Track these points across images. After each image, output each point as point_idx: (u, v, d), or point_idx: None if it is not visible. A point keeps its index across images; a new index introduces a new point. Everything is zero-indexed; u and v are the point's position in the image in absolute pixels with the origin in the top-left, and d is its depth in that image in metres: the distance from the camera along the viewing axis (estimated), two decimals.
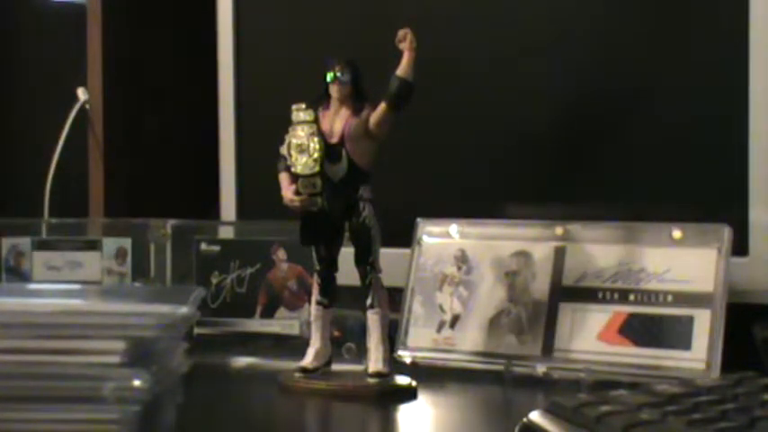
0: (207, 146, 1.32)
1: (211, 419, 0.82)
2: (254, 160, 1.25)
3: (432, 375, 0.97)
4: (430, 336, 1.02)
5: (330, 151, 0.89)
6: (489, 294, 1.01)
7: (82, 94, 1.42)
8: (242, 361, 1.06)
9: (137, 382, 0.66)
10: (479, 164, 1.11)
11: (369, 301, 0.90)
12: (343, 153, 0.90)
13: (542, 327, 0.97)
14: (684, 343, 0.90)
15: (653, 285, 0.93)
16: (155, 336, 0.68)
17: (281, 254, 1.09)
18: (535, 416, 0.63)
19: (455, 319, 1.02)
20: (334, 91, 0.90)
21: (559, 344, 0.95)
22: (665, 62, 1.01)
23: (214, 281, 1.11)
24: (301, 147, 0.89)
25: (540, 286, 0.98)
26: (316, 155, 0.88)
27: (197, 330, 1.08)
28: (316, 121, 0.90)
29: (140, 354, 0.67)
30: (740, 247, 0.94)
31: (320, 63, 0.91)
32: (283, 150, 0.90)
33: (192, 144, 1.45)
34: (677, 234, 0.94)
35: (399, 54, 0.89)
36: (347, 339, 1.01)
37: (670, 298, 0.92)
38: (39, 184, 1.44)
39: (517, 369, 0.96)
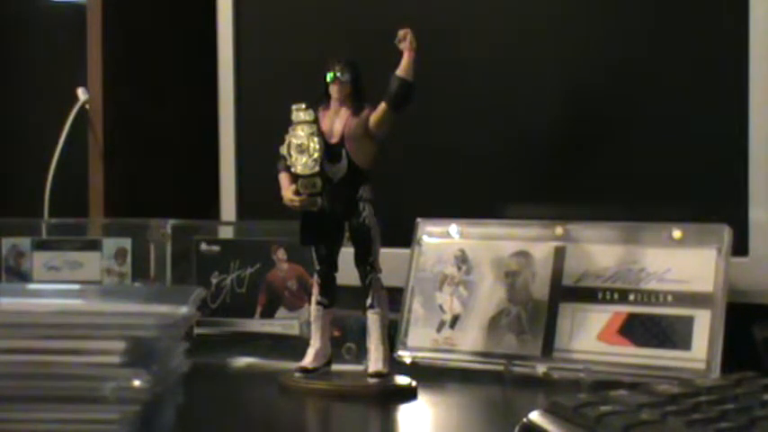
0: (207, 146, 1.32)
1: (211, 419, 0.82)
2: (254, 160, 1.25)
3: (432, 375, 0.97)
4: (430, 336, 1.02)
5: (330, 151, 0.90)
6: (489, 294, 1.01)
7: (82, 94, 1.42)
8: (242, 361, 1.06)
9: (137, 382, 0.66)
10: (479, 164, 1.11)
11: (369, 301, 0.90)
12: (343, 153, 0.90)
13: (542, 327, 0.97)
14: (684, 343, 0.90)
15: (653, 285, 0.93)
16: (155, 336, 0.68)
17: (281, 254, 1.09)
18: (535, 416, 0.63)
19: (455, 319, 1.02)
20: (334, 91, 0.90)
21: (559, 344, 0.95)
22: (664, 62, 1.01)
23: (214, 281, 1.11)
24: (301, 147, 0.89)
25: (540, 286, 0.98)
26: (316, 155, 0.89)
27: (197, 330, 1.08)
28: (316, 121, 0.90)
29: (140, 354, 0.67)
30: (740, 247, 0.94)
31: (320, 63, 0.91)
32: (283, 150, 0.90)
33: (192, 144, 1.45)
34: (677, 234, 0.94)
35: (399, 54, 0.89)
36: (347, 339, 1.01)
37: (670, 298, 0.92)
38: (39, 184, 1.44)
39: (517, 369, 0.96)
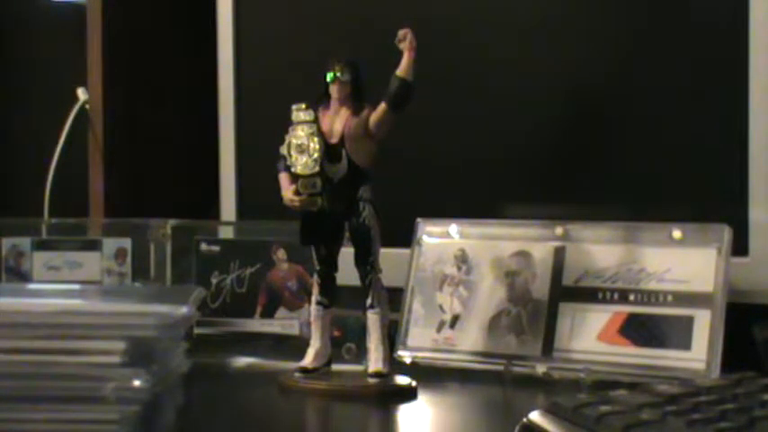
0: (207, 146, 1.32)
1: (211, 419, 0.82)
2: (254, 160, 1.25)
3: (432, 375, 0.97)
4: (430, 336, 1.02)
5: (330, 151, 0.90)
6: (489, 294, 1.01)
7: (82, 94, 1.42)
8: (242, 361, 1.06)
9: (137, 382, 0.66)
10: (479, 164, 1.11)
11: (369, 301, 0.91)
12: (343, 153, 0.90)
13: (542, 327, 0.97)
14: (684, 343, 0.90)
15: (653, 285, 0.93)
16: (155, 336, 0.68)
17: (281, 254, 1.09)
18: (535, 416, 0.63)
19: (455, 319, 1.02)
20: (334, 91, 0.90)
21: (559, 344, 0.95)
22: (664, 62, 1.01)
23: (214, 281, 1.11)
24: (301, 147, 0.89)
25: (540, 286, 0.98)
26: (316, 155, 0.89)
27: (197, 330, 1.08)
28: (316, 121, 0.90)
29: (140, 354, 0.67)
30: (740, 247, 0.94)
31: (320, 63, 0.91)
32: (283, 150, 0.90)
33: (192, 144, 1.45)
34: (677, 234, 0.94)
35: (399, 54, 0.89)
36: (347, 339, 1.01)
37: (670, 298, 0.92)
38: (39, 184, 1.44)
39: (517, 369, 0.96)
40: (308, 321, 0.95)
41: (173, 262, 1.13)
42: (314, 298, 0.93)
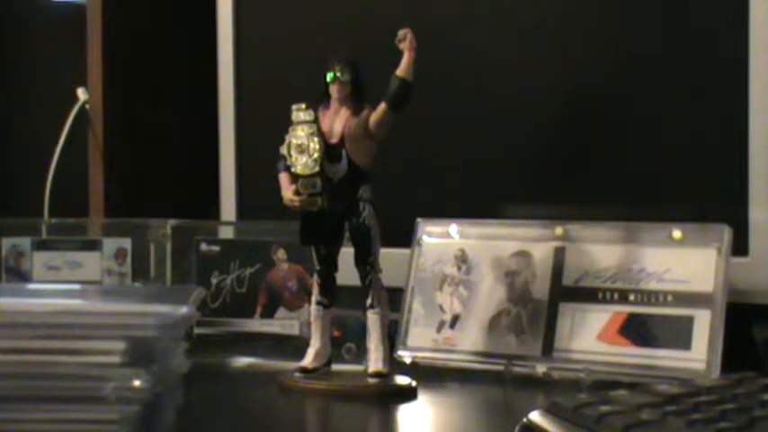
0: (207, 146, 1.32)
1: (211, 419, 0.82)
2: (254, 160, 1.25)
3: (432, 375, 0.97)
4: (430, 336, 1.02)
5: (330, 151, 0.90)
6: (489, 294, 1.01)
7: (82, 94, 1.42)
8: (242, 361, 1.06)
9: (137, 382, 0.66)
10: (479, 164, 1.11)
11: (369, 301, 0.91)
12: (343, 153, 0.90)
13: (542, 327, 0.97)
14: (684, 343, 0.90)
15: (653, 285, 0.93)
16: (155, 336, 0.68)
17: (281, 254, 1.09)
18: (535, 416, 0.63)
19: (455, 319, 1.02)
20: (334, 91, 0.90)
21: (559, 344, 0.95)
22: (664, 62, 1.01)
23: (214, 281, 1.11)
24: (301, 147, 0.89)
25: (540, 286, 0.98)
26: (316, 155, 0.88)
27: (197, 330, 1.08)
28: (316, 121, 0.90)
29: (140, 354, 0.67)
30: (740, 247, 0.94)
31: (320, 63, 0.91)
32: (283, 150, 0.90)
33: (192, 144, 1.45)
34: (677, 234, 0.94)
35: (399, 54, 0.89)
36: (347, 339, 1.01)
37: (670, 298, 0.92)
38: (39, 184, 1.44)
39: (517, 369, 0.96)
40: (308, 321, 0.95)
41: (173, 262, 1.13)
42: (314, 298, 0.93)
